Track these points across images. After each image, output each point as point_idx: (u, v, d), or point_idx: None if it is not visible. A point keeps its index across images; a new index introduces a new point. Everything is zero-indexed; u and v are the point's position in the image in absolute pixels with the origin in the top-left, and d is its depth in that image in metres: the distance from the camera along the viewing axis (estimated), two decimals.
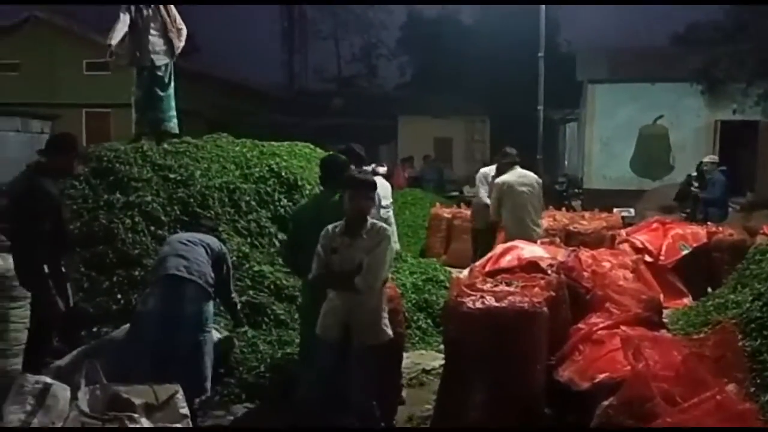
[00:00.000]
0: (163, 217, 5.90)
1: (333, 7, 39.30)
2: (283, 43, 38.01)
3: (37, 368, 3.91)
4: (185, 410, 3.32)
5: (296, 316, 5.51)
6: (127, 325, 4.50)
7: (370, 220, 3.83)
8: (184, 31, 7.44)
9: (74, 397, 3.22)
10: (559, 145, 21.77)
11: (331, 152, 4.99)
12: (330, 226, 3.85)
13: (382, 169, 10.03)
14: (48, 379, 3.32)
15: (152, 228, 5.78)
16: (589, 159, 16.13)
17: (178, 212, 6.00)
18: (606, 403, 3.43)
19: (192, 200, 6.13)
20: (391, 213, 8.52)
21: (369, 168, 9.12)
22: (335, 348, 3.78)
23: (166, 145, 7.06)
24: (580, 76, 16.89)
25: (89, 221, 5.73)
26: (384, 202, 8.57)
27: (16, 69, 18.96)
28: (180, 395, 3.34)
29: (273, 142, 7.81)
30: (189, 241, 4.49)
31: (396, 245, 6.25)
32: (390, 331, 3.88)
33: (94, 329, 4.92)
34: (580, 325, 4.28)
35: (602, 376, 3.71)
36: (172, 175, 6.39)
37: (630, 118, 15.39)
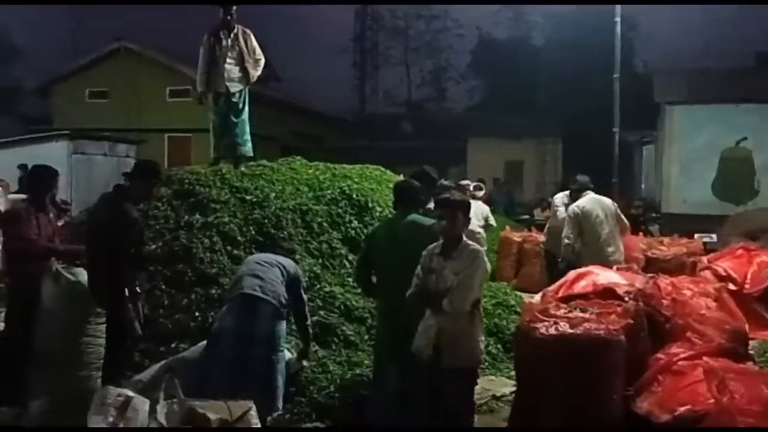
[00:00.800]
0: (239, 238, 6.07)
1: (404, 33, 39.89)
2: (355, 69, 38.80)
3: (117, 382, 4.08)
4: (258, 426, 3.38)
5: (365, 337, 5.55)
6: (204, 342, 4.64)
7: (464, 241, 3.81)
8: (262, 61, 7.67)
9: (153, 411, 3.34)
10: (636, 168, 21.12)
11: (404, 178, 5.05)
12: (430, 246, 3.88)
13: (480, 193, 10.01)
14: (129, 393, 3.46)
15: (229, 248, 5.95)
16: (667, 182, 15.55)
17: (253, 233, 6.16)
18: None
19: (267, 221, 6.28)
20: (484, 235, 8.56)
21: (469, 185, 9.18)
22: (425, 368, 3.77)
23: (243, 168, 7.29)
24: (658, 97, 16.37)
25: (170, 241, 5.96)
26: (478, 224, 8.60)
27: (106, 96, 20.10)
28: (253, 412, 3.41)
29: (345, 165, 7.94)
30: (265, 261, 4.62)
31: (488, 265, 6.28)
32: (481, 356, 3.86)
33: (173, 345, 5.09)
34: (660, 355, 4.12)
35: (683, 408, 3.56)
36: (248, 197, 6.57)
37: (711, 141, 14.78)
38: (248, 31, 7.59)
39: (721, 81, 15.44)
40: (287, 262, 4.71)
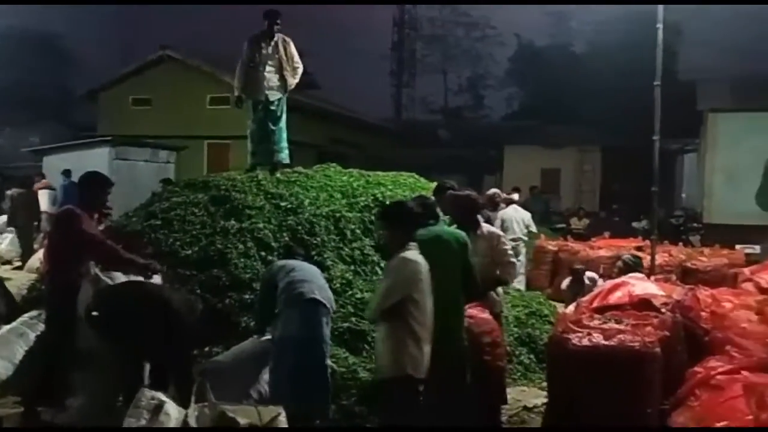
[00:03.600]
0: (273, 243, 6.13)
1: (443, 41, 39.91)
2: (393, 77, 38.95)
3: (164, 385, 4.13)
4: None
5: None
6: (238, 346, 4.72)
7: (398, 253, 3.76)
8: (300, 69, 7.76)
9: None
10: (677, 177, 20.69)
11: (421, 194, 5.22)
12: None
13: (516, 195, 9.93)
14: (163, 396, 3.52)
15: (263, 253, 6.01)
16: (709, 192, 15.18)
17: (287, 239, 6.21)
18: None
19: (300, 228, 6.33)
20: (521, 244, 8.53)
21: (498, 194, 9.18)
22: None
23: (279, 175, 7.37)
24: (701, 105, 16.05)
25: (206, 246, 6.04)
26: (520, 231, 8.51)
27: (148, 104, 20.57)
28: (282, 417, 3.43)
29: (378, 172, 7.96)
30: (310, 267, 4.78)
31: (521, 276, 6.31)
32: (405, 366, 3.62)
33: (206, 349, 5.16)
34: (697, 369, 4.02)
35: (721, 424, 3.46)
36: (282, 204, 6.64)
37: (755, 149, 14.39)
38: (288, 39, 7.69)
39: (766, 87, 15.03)
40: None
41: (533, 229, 9.04)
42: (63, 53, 36.63)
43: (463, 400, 3.96)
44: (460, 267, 4.15)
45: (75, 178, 11.09)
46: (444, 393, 3.87)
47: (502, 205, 9.14)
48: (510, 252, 5.01)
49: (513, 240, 8.02)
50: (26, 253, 11.10)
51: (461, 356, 4.08)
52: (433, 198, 4.97)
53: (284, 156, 7.74)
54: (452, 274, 4.10)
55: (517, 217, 8.95)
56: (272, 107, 7.61)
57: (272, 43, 7.56)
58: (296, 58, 7.72)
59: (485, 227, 4.99)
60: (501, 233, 5.27)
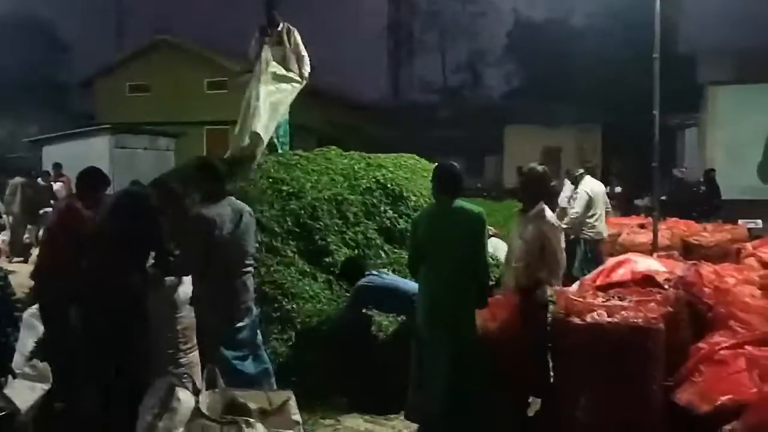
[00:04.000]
0: (276, 229, 6.15)
1: (439, 18, 39.56)
2: (389, 57, 38.69)
3: None
4: (297, 416, 3.45)
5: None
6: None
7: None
8: (307, 60, 7.51)
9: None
10: (678, 153, 20.63)
11: (444, 162, 5.00)
12: None
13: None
14: (176, 382, 3.58)
15: (266, 239, 6.04)
16: (711, 166, 15.17)
17: (290, 224, 6.23)
18: (728, 427, 3.24)
19: (303, 212, 6.34)
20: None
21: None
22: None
23: (279, 158, 7.35)
24: (701, 77, 15.97)
25: None
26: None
27: (146, 90, 20.49)
28: (292, 401, 3.47)
29: (379, 154, 7.94)
30: None
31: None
32: None
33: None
34: (701, 345, 4.05)
35: (725, 398, 3.50)
36: (284, 188, 6.64)
37: (757, 123, 14.36)
38: (293, 27, 7.50)
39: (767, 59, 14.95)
40: None
41: (609, 207, 8.53)
42: (58, 41, 36.38)
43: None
44: (468, 247, 4.06)
45: (75, 167, 11.17)
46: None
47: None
48: (560, 250, 4.40)
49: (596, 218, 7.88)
50: (18, 244, 11.22)
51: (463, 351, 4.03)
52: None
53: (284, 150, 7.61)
54: (455, 253, 4.07)
55: (601, 191, 8.32)
56: None
57: (276, 32, 7.39)
58: (301, 48, 7.50)
59: (547, 212, 4.48)
60: (557, 223, 4.60)
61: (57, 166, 13.17)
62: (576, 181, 8.18)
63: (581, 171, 8.46)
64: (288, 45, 7.42)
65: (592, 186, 8.14)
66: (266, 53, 7.12)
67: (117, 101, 20.28)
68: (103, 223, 4.24)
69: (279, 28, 7.42)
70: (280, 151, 7.57)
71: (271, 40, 7.39)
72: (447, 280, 4.05)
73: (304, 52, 7.53)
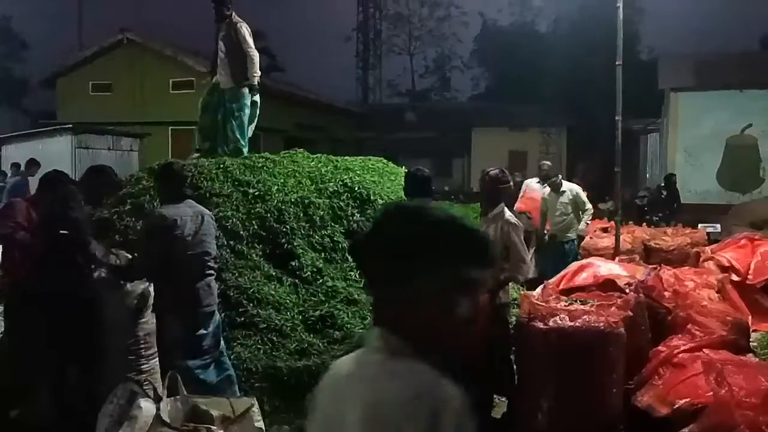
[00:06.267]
0: (242, 232, 6.08)
1: (407, 21, 39.73)
2: (358, 59, 38.70)
3: None
4: (260, 423, 3.42)
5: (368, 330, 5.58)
6: None
7: None
8: (253, 58, 7.14)
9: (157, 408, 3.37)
10: (640, 157, 21.06)
11: (413, 168, 5.03)
12: None
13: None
14: (137, 389, 3.51)
15: (232, 242, 5.97)
16: (672, 171, 15.52)
17: (256, 227, 6.17)
18: (686, 430, 3.30)
19: (269, 215, 6.28)
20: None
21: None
22: None
23: (245, 161, 7.27)
24: (662, 83, 16.32)
25: None
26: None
27: (109, 89, 20.09)
28: (256, 409, 3.44)
29: (347, 157, 7.93)
30: None
31: None
32: None
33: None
34: (661, 348, 4.14)
35: (683, 401, 3.58)
36: (251, 191, 6.56)
37: (716, 128, 14.72)
38: (240, 22, 7.17)
39: (726, 66, 15.35)
40: None
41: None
42: (17, 37, 35.54)
43: None
44: None
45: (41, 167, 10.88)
46: None
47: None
48: (523, 248, 4.52)
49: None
50: None
51: None
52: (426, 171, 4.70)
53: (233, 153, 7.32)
54: None
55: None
56: (225, 96, 7.24)
57: (224, 26, 7.13)
58: (245, 45, 7.09)
59: (506, 212, 4.57)
60: (517, 222, 4.66)
61: (32, 163, 12.56)
62: (557, 186, 8.22)
63: (560, 176, 8.57)
64: (234, 41, 7.11)
65: (574, 188, 8.34)
66: None
67: (79, 100, 19.83)
68: (35, 230, 4.16)
69: (227, 21, 7.15)
70: (227, 151, 7.34)
71: (219, 33, 7.17)
72: None
73: (252, 51, 7.15)
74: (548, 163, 9.45)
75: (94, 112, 18.78)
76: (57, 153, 13.41)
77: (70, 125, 15.53)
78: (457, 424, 1.19)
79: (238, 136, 7.41)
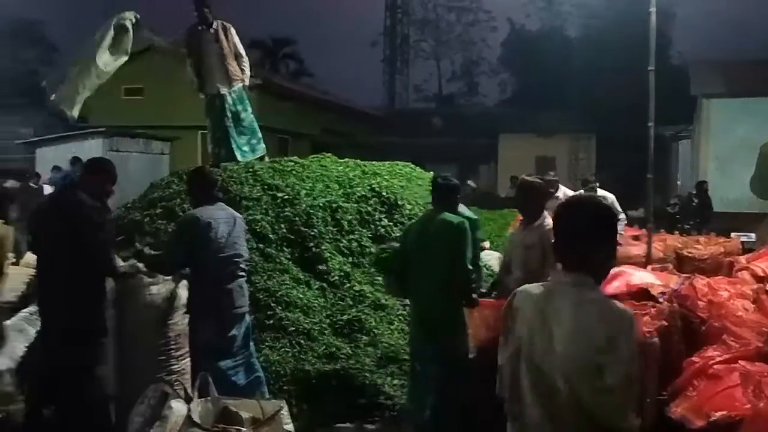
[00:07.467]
0: (270, 235, 6.13)
1: (435, 26, 39.74)
2: (385, 64, 38.81)
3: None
4: (290, 426, 3.42)
5: (396, 335, 5.56)
6: None
7: None
8: (246, 60, 7.30)
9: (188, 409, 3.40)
10: (671, 164, 20.72)
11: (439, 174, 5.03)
12: None
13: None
14: (169, 389, 3.54)
15: (261, 245, 6.02)
16: (704, 179, 15.24)
17: (284, 230, 6.22)
18: None
19: (297, 219, 6.33)
20: None
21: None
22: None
23: (274, 164, 7.33)
24: (695, 90, 16.06)
25: None
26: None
27: (140, 93, 20.40)
28: (285, 411, 3.44)
29: (374, 162, 7.95)
30: None
31: None
32: None
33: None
34: (695, 359, 4.04)
35: (719, 414, 3.48)
36: (279, 194, 6.62)
37: (749, 135, 14.40)
38: (228, 25, 7.25)
39: (760, 72, 15.05)
40: None
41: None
42: (52, 42, 36.32)
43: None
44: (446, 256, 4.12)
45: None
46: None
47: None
48: None
49: None
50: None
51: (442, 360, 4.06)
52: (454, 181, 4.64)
53: (246, 158, 7.37)
54: (437, 264, 4.12)
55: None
56: (225, 101, 7.27)
57: (211, 32, 7.13)
58: (239, 46, 7.23)
59: (548, 218, 4.48)
60: None
61: (76, 161, 12.56)
62: (592, 191, 8.10)
63: (597, 183, 8.47)
64: (225, 43, 7.16)
65: (609, 195, 8.18)
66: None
67: (112, 104, 20.17)
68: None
69: (213, 26, 7.16)
70: (240, 159, 7.35)
71: (208, 37, 7.14)
72: (432, 290, 4.11)
73: (243, 51, 7.31)
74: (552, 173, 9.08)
75: (126, 116, 19.09)
76: (89, 156, 13.59)
77: (103, 129, 15.79)
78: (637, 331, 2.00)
79: (255, 135, 7.54)
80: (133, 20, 6.31)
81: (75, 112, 6.23)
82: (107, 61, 6.15)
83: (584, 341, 1.88)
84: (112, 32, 6.18)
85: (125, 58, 6.34)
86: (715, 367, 3.88)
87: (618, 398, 1.87)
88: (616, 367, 1.86)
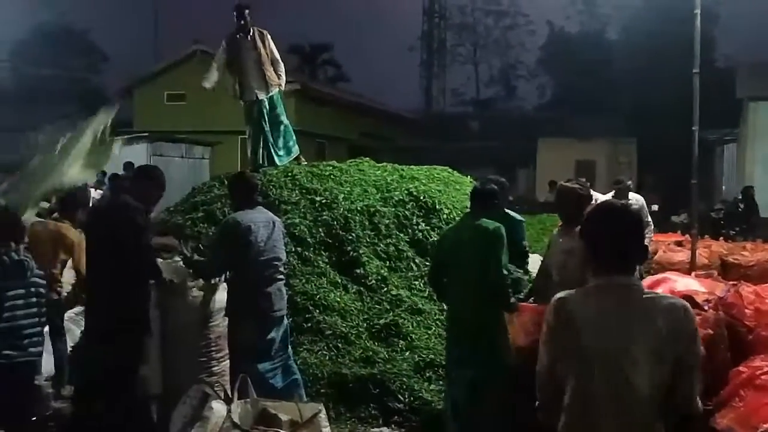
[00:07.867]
0: (308, 239, 6.18)
1: (472, 30, 39.62)
2: (422, 68, 38.81)
3: None
4: (327, 430, 3.44)
5: (433, 340, 5.54)
6: None
7: None
8: (281, 65, 7.46)
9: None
10: (716, 169, 20.20)
11: (485, 179, 4.98)
12: None
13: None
14: (209, 390, 3.60)
15: (299, 249, 6.07)
16: (750, 183, 14.82)
17: (322, 234, 6.26)
18: None
19: (335, 223, 6.37)
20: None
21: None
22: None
23: (312, 169, 7.39)
24: (740, 93, 15.65)
25: None
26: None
27: (183, 99, 20.84)
28: (323, 414, 3.47)
29: (412, 166, 7.95)
30: None
31: None
32: None
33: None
34: (741, 368, 3.93)
35: (767, 425, 3.39)
36: (317, 198, 6.67)
37: None
38: (265, 32, 7.39)
39: None
40: None
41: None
42: (97, 49, 37.33)
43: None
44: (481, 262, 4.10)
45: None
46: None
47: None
48: None
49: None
50: None
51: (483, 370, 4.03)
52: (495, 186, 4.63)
53: (283, 161, 7.51)
54: (474, 269, 4.11)
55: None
56: (263, 107, 7.40)
57: (249, 39, 7.26)
58: (275, 52, 7.39)
59: None
60: None
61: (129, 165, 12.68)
62: (623, 192, 7.96)
63: (629, 182, 8.33)
64: (263, 49, 7.30)
65: (640, 199, 8.02)
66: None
67: (155, 110, 20.66)
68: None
69: (251, 34, 7.29)
70: (278, 163, 7.48)
71: (247, 44, 7.27)
72: (468, 295, 4.12)
73: (279, 57, 7.45)
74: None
75: (168, 121, 19.52)
76: (133, 160, 13.93)
77: (146, 134, 16.16)
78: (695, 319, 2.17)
79: (290, 137, 7.68)
80: (108, 128, 5.52)
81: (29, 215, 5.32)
82: (73, 177, 5.46)
83: (651, 335, 2.03)
84: (87, 143, 5.48)
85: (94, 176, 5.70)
86: (762, 377, 3.78)
87: (687, 386, 2.05)
88: (686, 356, 2.05)
